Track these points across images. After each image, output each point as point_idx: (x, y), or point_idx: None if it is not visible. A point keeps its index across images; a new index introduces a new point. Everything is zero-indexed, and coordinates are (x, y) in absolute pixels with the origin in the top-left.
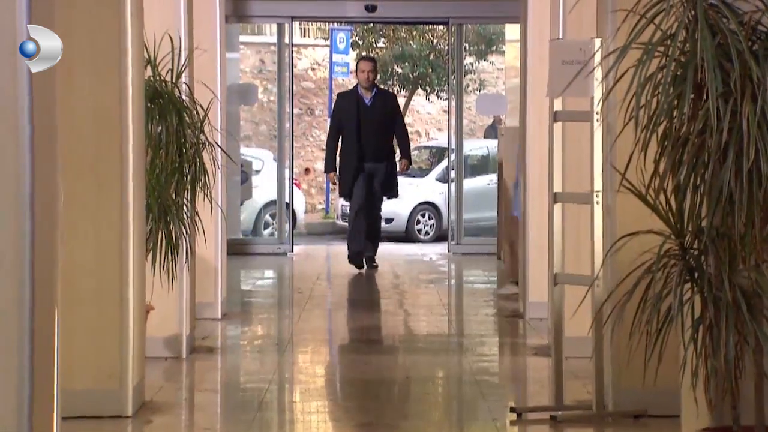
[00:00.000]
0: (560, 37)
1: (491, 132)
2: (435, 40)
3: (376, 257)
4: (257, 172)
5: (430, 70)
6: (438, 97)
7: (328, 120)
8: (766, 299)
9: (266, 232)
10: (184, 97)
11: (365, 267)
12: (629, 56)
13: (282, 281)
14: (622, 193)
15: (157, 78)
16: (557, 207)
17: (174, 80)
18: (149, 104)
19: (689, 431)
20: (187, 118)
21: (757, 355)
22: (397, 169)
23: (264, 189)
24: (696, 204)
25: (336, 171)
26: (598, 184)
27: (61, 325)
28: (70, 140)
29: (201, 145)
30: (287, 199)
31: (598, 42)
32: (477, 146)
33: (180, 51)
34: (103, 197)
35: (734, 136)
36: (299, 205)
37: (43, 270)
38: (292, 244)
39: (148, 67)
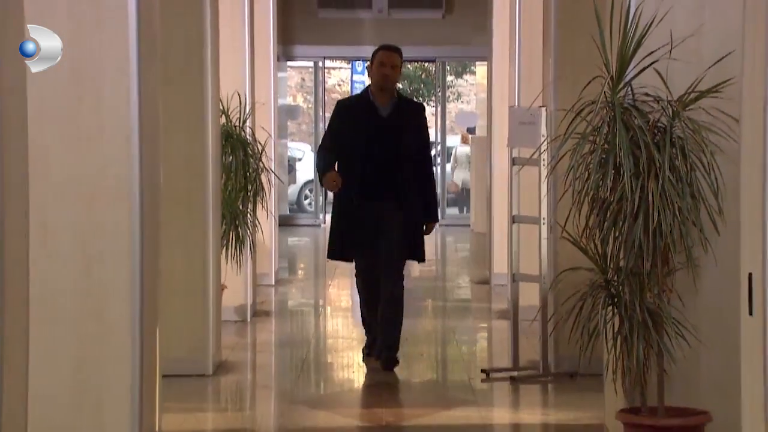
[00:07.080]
0: (516, 104)
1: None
2: (426, 64)
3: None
4: (299, 159)
5: (422, 85)
6: (427, 104)
7: None
8: (665, 318)
9: (306, 202)
10: (248, 137)
11: (384, 363)
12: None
13: (318, 251)
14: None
15: (229, 124)
16: (515, 226)
17: (241, 125)
18: (223, 142)
19: (610, 412)
20: (250, 152)
21: (659, 357)
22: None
23: (304, 171)
24: (616, 250)
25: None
26: (544, 211)
27: (160, 309)
28: (169, 174)
29: (260, 170)
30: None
31: (544, 110)
32: (456, 142)
33: (245, 104)
34: (192, 211)
35: (643, 203)
36: None
37: (148, 275)
38: (325, 217)
39: (223, 117)
